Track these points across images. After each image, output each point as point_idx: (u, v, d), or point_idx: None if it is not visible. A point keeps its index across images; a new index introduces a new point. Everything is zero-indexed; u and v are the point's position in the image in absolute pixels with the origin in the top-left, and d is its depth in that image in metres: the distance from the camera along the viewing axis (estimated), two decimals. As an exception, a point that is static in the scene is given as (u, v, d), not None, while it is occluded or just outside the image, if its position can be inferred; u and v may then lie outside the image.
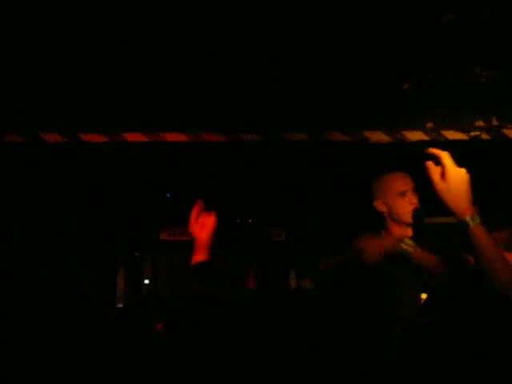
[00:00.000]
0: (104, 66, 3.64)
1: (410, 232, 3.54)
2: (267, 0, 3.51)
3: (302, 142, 3.67)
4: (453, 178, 2.40)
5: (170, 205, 4.54)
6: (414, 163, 3.59)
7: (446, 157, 2.45)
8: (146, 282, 5.90)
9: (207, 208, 2.92)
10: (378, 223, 3.60)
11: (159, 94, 3.65)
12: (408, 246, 2.80)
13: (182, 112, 3.67)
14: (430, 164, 2.40)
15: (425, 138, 3.64)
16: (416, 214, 3.28)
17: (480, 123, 3.62)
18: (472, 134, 3.61)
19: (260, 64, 3.62)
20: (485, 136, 3.60)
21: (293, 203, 4.26)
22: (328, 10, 3.57)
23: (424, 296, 3.00)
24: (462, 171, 2.44)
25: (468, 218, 2.38)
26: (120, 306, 5.58)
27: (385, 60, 3.59)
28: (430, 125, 3.63)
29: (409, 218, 3.52)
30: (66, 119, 3.65)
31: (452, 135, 3.64)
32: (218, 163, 3.87)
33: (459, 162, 3.99)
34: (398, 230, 3.58)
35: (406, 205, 3.33)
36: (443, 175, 2.40)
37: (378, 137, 3.63)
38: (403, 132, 3.63)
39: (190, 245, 2.79)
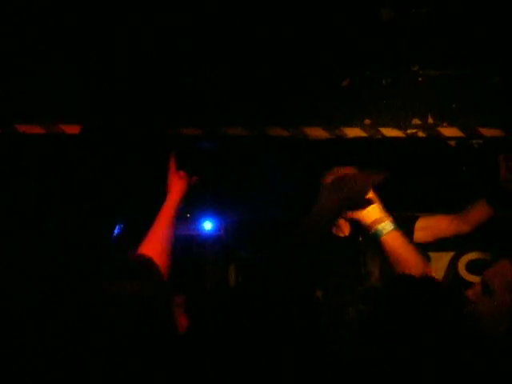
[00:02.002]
0: (43, 55, 3.57)
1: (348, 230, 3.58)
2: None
3: (242, 136, 3.68)
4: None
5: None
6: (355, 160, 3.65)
7: None
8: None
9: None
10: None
11: (105, 86, 3.61)
12: (383, 227, 2.48)
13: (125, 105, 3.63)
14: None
15: (363, 134, 3.69)
16: None
17: (416, 121, 3.69)
18: (408, 131, 3.69)
19: (203, 59, 3.62)
20: (421, 134, 3.68)
21: (233, 197, 4.27)
22: (269, 6, 3.58)
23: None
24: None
25: (380, 227, 2.45)
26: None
27: (324, 57, 3.63)
28: (367, 121, 3.69)
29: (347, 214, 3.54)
30: (2, 110, 3.57)
31: (389, 132, 3.70)
32: (157, 157, 3.84)
33: (396, 160, 4.06)
34: (344, 226, 3.60)
35: None
36: None
37: (318, 133, 3.66)
38: (342, 128, 3.68)
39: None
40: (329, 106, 3.69)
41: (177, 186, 2.86)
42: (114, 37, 3.58)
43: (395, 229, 2.47)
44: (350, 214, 2.62)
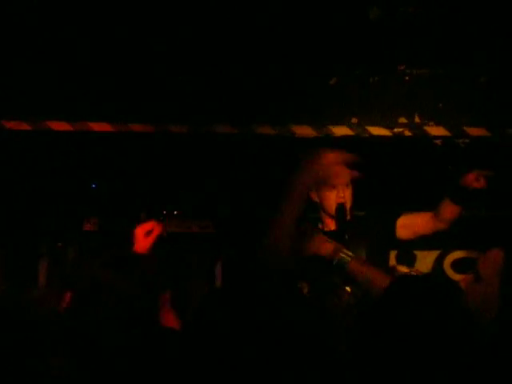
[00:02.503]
0: (28, 52, 3.56)
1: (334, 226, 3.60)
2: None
3: (230, 134, 3.69)
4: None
5: (95, 195, 4.49)
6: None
7: None
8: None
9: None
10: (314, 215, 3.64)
11: (86, 83, 3.60)
12: (346, 255, 2.61)
13: (109, 102, 3.63)
14: None
15: (350, 132, 3.71)
16: (338, 209, 3.30)
17: (403, 120, 3.72)
18: (395, 130, 3.71)
19: (191, 58, 3.62)
20: (407, 132, 3.70)
21: (221, 195, 4.28)
22: (259, 5, 3.60)
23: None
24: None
25: (343, 255, 2.50)
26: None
27: (312, 56, 3.64)
28: (354, 120, 3.71)
29: (333, 211, 3.56)
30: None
31: (376, 131, 3.73)
32: (145, 154, 3.85)
33: (384, 158, 4.09)
34: (329, 223, 3.63)
35: (332, 197, 3.34)
36: None
37: (305, 131, 3.68)
38: (329, 127, 3.69)
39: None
40: (316, 104, 3.70)
41: (142, 244, 2.70)
42: (101, 34, 3.58)
43: (353, 255, 2.57)
44: (306, 252, 2.72)
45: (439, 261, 4.88)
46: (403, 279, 1.80)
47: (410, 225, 3.39)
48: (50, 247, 4.87)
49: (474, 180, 3.14)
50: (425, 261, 4.64)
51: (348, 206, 3.32)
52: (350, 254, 2.58)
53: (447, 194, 3.24)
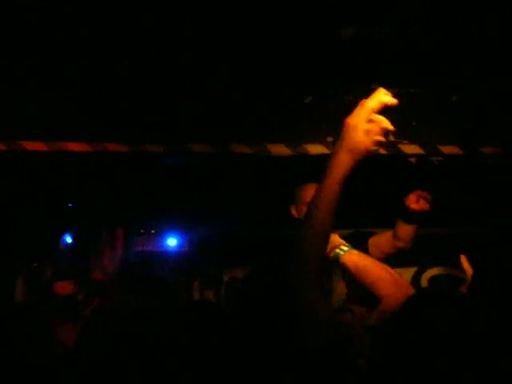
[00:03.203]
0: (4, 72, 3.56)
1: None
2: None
3: (206, 153, 3.70)
4: None
5: (71, 214, 4.48)
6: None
7: None
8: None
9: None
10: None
11: (61, 103, 3.60)
12: (340, 250, 2.50)
13: (84, 121, 3.63)
14: None
15: (325, 151, 3.73)
16: None
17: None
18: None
19: (166, 76, 3.63)
20: (382, 151, 3.72)
21: (196, 213, 4.29)
22: (233, 23, 3.62)
23: None
24: None
25: (337, 251, 2.47)
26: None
27: (286, 75, 3.67)
28: (330, 139, 3.73)
29: None
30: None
31: (351, 149, 3.74)
32: (121, 173, 3.85)
33: (360, 175, 4.12)
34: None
35: None
36: None
37: (280, 150, 3.69)
38: (304, 145, 3.71)
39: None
40: (291, 123, 3.72)
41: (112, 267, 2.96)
42: (77, 53, 3.59)
43: (351, 249, 2.52)
44: None
45: (417, 277, 4.91)
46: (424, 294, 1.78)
47: (377, 243, 3.42)
48: (26, 267, 4.84)
49: (413, 201, 3.16)
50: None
51: None
52: (345, 248, 2.52)
53: (399, 213, 3.27)
